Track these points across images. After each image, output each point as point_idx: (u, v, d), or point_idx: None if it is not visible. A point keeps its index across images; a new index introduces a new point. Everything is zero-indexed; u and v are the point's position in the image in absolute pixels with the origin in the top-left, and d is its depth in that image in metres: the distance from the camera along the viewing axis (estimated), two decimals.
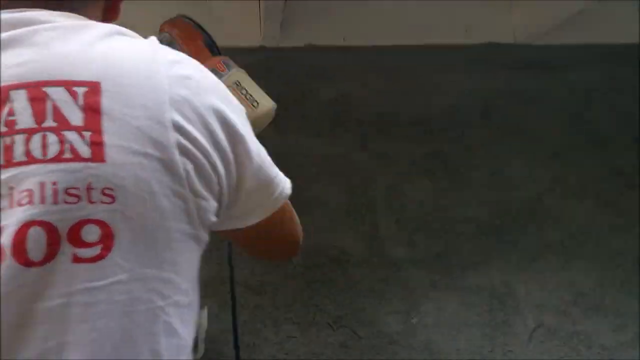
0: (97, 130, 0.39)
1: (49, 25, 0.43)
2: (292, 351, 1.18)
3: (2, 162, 0.37)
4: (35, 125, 0.39)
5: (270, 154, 1.11)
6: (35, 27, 0.43)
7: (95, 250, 0.38)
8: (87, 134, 0.39)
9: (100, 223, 0.38)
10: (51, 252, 0.36)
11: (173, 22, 0.95)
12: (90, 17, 0.50)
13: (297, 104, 1.35)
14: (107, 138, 0.39)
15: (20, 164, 0.37)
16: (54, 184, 0.37)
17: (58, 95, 0.40)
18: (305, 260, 1.24)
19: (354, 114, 1.35)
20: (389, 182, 1.31)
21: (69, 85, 0.40)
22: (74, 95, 0.40)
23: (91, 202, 0.38)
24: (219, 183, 0.45)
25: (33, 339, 0.37)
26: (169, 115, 0.42)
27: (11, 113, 0.39)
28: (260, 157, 0.50)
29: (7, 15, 0.43)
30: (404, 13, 1.39)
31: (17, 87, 0.40)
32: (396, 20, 1.39)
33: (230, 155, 0.45)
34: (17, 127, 0.38)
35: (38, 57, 0.41)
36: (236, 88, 0.97)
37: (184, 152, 0.42)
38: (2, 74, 0.40)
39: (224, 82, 0.92)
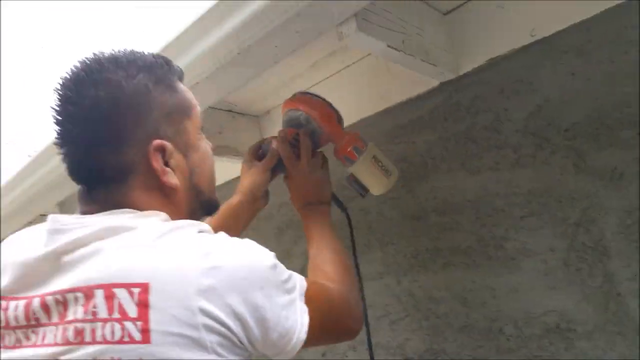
0: (145, 320, 0.58)
1: (125, 233, 0.64)
2: None
3: (89, 340, 0.58)
4: (107, 316, 0.59)
5: (460, 200, 1.15)
6: (120, 237, 0.64)
7: None
8: (139, 323, 0.58)
9: None
10: None
11: (304, 100, 1.05)
12: (147, 206, 0.70)
13: (490, 132, 1.18)
14: (153, 325, 0.57)
15: (100, 342, 0.58)
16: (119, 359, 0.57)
17: (122, 294, 0.59)
18: (517, 331, 1.03)
19: (562, 125, 1.06)
20: (625, 209, 0.94)
21: (128, 286, 0.59)
22: (131, 294, 0.59)
23: None
24: (241, 343, 0.63)
25: None
26: (196, 303, 0.59)
27: (95, 306, 0.59)
28: (276, 317, 0.65)
29: (84, 230, 0.65)
30: None
31: (98, 287, 0.60)
32: None
33: (252, 324, 0.62)
34: (98, 316, 0.59)
35: (108, 263, 0.62)
36: (374, 162, 1.03)
37: (209, 329, 0.60)
38: (89, 275, 0.61)
39: (363, 159, 1.00)
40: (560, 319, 0.98)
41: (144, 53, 0.76)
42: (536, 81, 1.12)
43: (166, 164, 0.72)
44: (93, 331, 0.58)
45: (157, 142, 0.70)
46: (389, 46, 1.02)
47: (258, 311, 0.63)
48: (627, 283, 0.91)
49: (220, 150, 1.52)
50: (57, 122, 0.70)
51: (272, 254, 0.70)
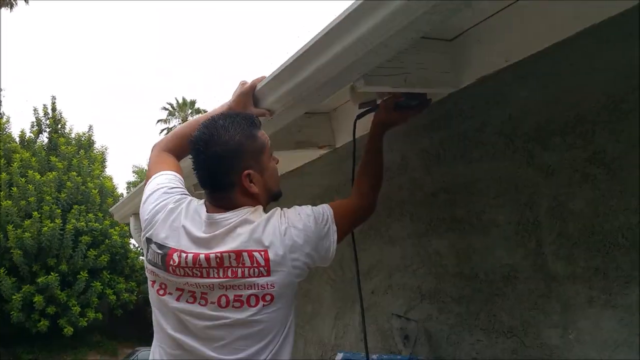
0: (268, 266, 1.29)
1: (251, 224, 1.33)
2: (481, 351, 1.55)
3: (240, 275, 1.27)
4: (250, 265, 1.26)
5: (458, 183, 1.87)
6: (248, 226, 1.31)
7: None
8: (266, 267, 1.27)
9: (270, 295, 1.29)
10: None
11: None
12: (244, 203, 1.40)
13: (479, 133, 1.66)
14: (272, 268, 1.29)
15: (247, 277, 1.26)
16: (257, 284, 1.28)
17: (256, 254, 1.27)
18: (487, 277, 1.57)
19: (522, 130, 1.53)
20: (552, 195, 1.41)
21: (259, 251, 1.27)
22: (260, 254, 1.27)
23: (267, 289, 1.28)
24: (308, 268, 1.36)
25: None
26: (289, 255, 1.32)
27: (243, 259, 1.26)
28: (323, 245, 1.37)
29: (226, 218, 1.33)
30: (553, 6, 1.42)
31: (243, 251, 1.27)
32: (549, 17, 1.44)
33: (315, 256, 1.37)
34: (245, 265, 1.26)
35: (246, 239, 1.29)
36: None
37: (295, 267, 1.32)
38: (237, 246, 1.28)
39: None
40: (510, 270, 1.49)
41: (240, 118, 1.39)
42: (509, 95, 1.57)
43: (251, 181, 1.38)
44: (243, 272, 1.25)
45: (246, 172, 1.35)
46: (393, 87, 1.55)
47: (318, 250, 1.33)
48: (548, 246, 1.40)
49: (301, 144, 2.16)
50: (194, 162, 1.37)
51: (310, 209, 1.38)
